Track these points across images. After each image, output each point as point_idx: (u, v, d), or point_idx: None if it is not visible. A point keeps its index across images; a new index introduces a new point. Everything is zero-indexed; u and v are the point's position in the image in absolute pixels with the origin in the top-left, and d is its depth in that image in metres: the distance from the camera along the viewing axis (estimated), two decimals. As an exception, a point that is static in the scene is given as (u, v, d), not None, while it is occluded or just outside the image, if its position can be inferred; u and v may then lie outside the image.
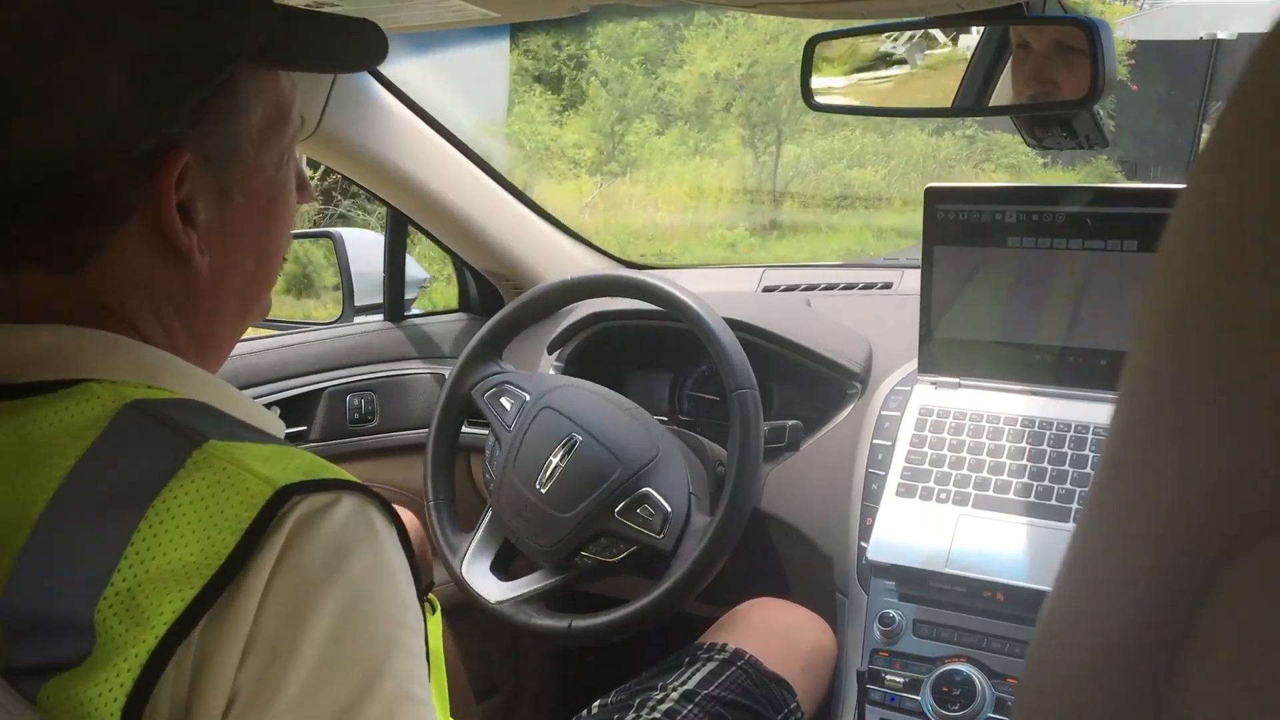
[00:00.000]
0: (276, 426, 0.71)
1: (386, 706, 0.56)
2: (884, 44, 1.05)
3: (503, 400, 1.40)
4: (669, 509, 1.25)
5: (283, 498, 0.56)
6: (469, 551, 1.38)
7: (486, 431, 1.45)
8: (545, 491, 1.29)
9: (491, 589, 1.35)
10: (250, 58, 0.65)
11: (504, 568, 1.39)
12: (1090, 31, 0.89)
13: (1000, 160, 9.75)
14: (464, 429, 1.51)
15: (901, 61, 1.09)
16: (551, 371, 1.57)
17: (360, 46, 0.73)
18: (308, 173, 0.80)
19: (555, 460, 1.29)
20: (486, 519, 1.40)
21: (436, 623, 0.72)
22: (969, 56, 1.22)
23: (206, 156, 0.64)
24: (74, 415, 0.59)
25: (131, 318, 0.65)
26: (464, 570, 1.37)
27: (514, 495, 1.33)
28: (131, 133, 0.61)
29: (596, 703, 1.22)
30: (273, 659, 0.54)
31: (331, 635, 0.56)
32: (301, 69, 0.71)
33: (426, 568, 1.56)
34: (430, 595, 0.67)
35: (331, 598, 0.56)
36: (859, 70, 1.06)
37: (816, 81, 1.04)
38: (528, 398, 1.37)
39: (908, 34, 1.03)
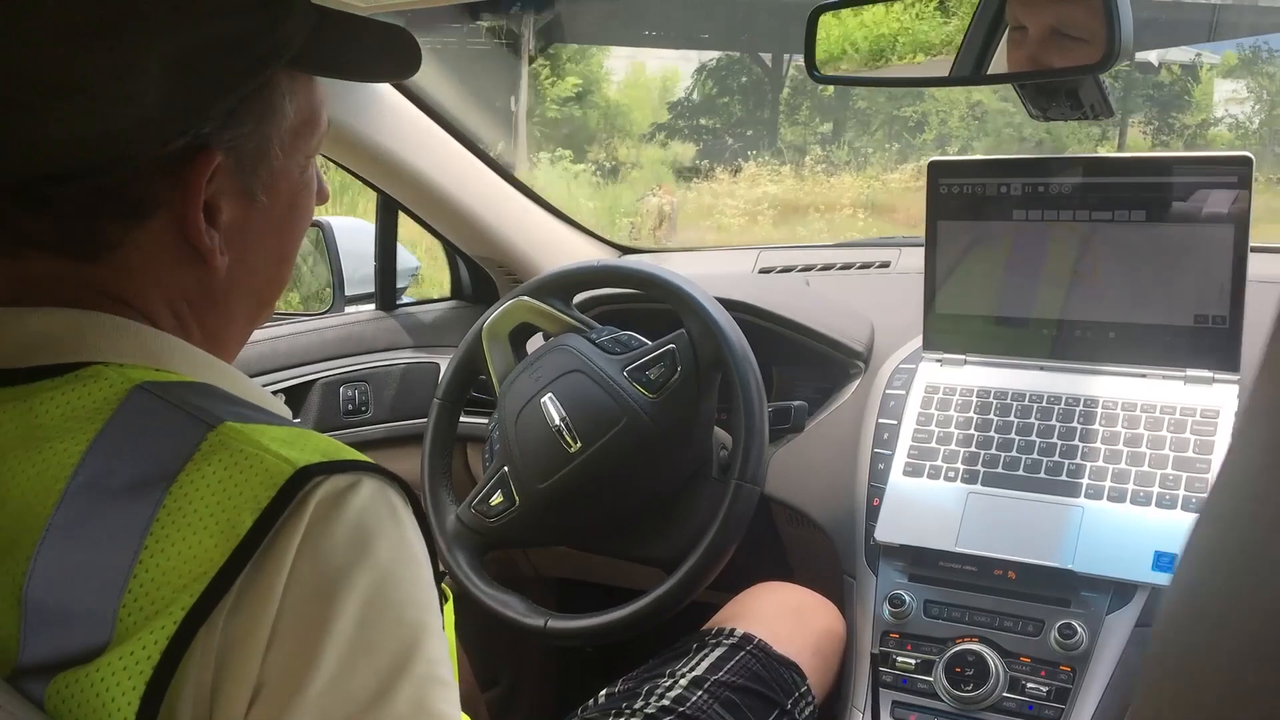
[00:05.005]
0: (285, 411, 0.70)
1: (417, 691, 0.55)
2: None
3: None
4: (516, 499, 1.24)
5: (303, 478, 0.55)
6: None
7: (486, 421, 1.41)
8: (559, 424, 1.23)
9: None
10: (288, 62, 0.64)
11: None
12: (1103, -7, 0.86)
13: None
14: (462, 418, 1.46)
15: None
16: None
17: (397, 56, 0.73)
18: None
19: (556, 419, 1.23)
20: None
21: (450, 611, 0.71)
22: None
23: (237, 158, 0.64)
24: (81, 399, 0.58)
25: (145, 310, 0.64)
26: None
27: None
28: (164, 131, 0.60)
29: (604, 691, 1.20)
30: (300, 647, 0.53)
31: (360, 622, 0.54)
32: (336, 76, 0.70)
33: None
34: (443, 585, 0.67)
35: (358, 583, 0.55)
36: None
37: (820, 53, 1.01)
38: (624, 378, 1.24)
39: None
